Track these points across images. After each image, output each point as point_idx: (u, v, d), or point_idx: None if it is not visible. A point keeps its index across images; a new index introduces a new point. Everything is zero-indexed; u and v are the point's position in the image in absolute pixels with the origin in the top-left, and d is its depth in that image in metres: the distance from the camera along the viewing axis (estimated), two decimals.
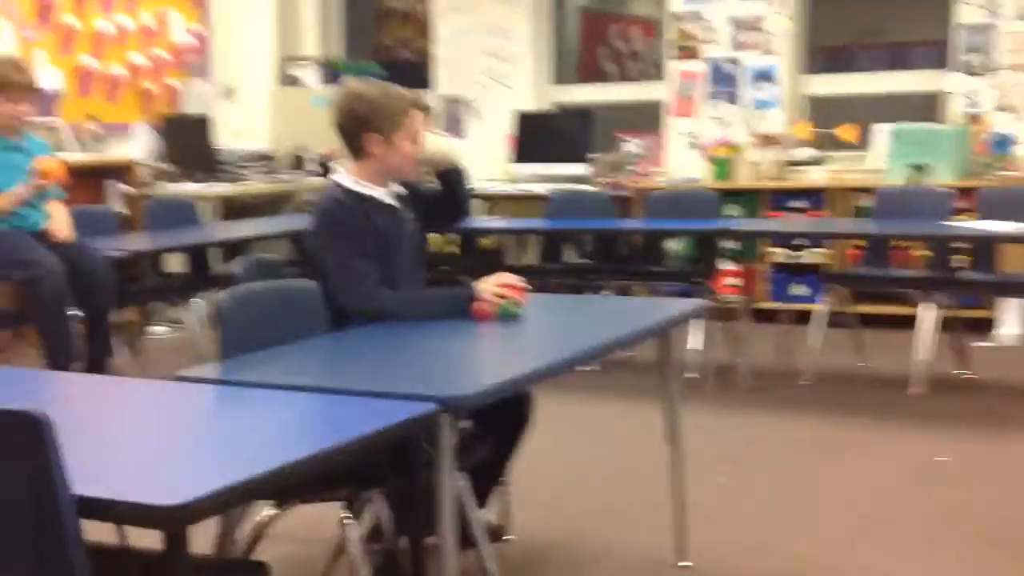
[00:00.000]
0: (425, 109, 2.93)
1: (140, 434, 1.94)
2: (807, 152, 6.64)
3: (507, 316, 2.73)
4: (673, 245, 6.16)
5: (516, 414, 2.85)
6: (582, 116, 7.12)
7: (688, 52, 6.91)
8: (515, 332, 2.69)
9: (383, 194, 2.86)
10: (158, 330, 6.38)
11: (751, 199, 6.49)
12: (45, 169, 4.33)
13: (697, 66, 6.89)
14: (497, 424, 2.73)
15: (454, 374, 2.38)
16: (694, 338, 4.96)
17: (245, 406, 2.09)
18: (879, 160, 6.36)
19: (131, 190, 6.68)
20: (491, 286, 2.75)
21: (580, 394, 4.56)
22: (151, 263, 5.39)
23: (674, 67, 6.97)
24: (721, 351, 5.16)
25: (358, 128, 2.80)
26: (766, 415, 4.58)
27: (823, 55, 7.12)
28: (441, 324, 2.68)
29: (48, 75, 6.49)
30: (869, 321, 5.46)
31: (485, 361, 2.49)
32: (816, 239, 5.94)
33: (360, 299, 2.70)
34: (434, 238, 6.05)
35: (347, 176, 2.85)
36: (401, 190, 2.93)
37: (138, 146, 7.05)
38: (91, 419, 2.04)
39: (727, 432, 4.32)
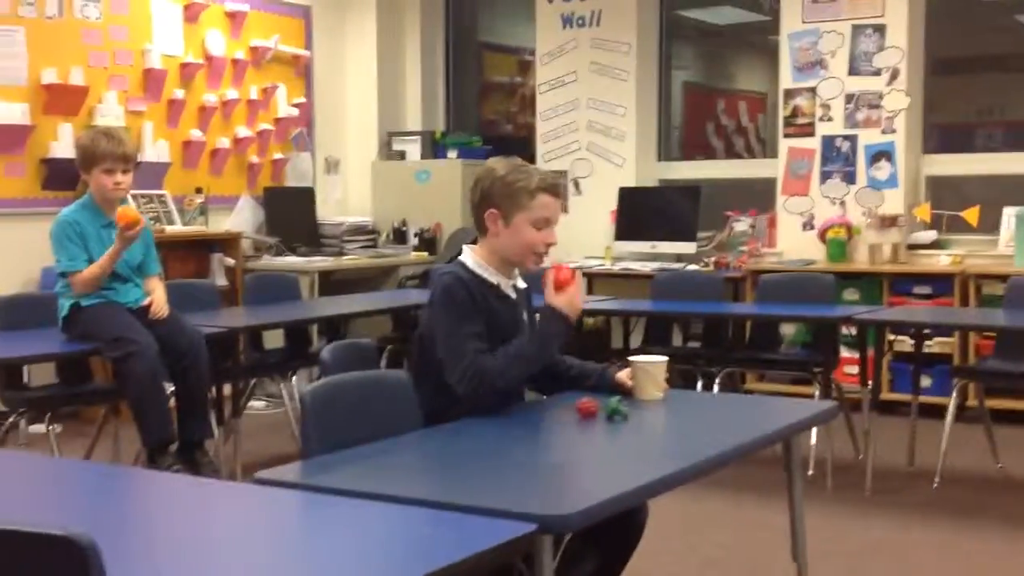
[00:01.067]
0: (556, 194, 2.75)
1: (208, 548, 1.76)
2: (929, 235, 6.30)
3: (614, 415, 2.50)
4: (787, 329, 5.86)
5: (627, 524, 2.61)
6: (689, 193, 6.90)
7: (800, 128, 6.66)
8: (624, 435, 2.46)
9: (505, 283, 2.72)
10: (257, 405, 6.30)
11: (870, 283, 6.16)
12: (127, 217, 4.10)
13: (810, 143, 6.63)
14: (604, 535, 2.49)
15: (556, 487, 2.15)
16: (813, 431, 4.63)
17: (325, 518, 1.89)
18: (1007, 244, 5.99)
19: (233, 263, 6.67)
20: (560, 294, 2.65)
21: (690, 486, 4.27)
22: (251, 338, 5.31)
23: (786, 144, 6.72)
24: (841, 444, 4.82)
25: (481, 203, 2.70)
26: (891, 520, 4.21)
27: (940, 133, 6.79)
28: (542, 426, 2.47)
29: (156, 148, 6.54)
30: (1001, 417, 5.07)
31: (591, 471, 2.25)
32: (947, 330, 5.57)
33: (464, 374, 2.54)
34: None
35: (472, 258, 2.72)
36: (522, 284, 2.77)
37: (242, 219, 7.07)
38: (158, 528, 1.87)
39: (849, 539, 3.98)
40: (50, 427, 4.13)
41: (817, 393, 4.78)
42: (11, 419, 4.16)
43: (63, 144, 6.02)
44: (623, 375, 2.69)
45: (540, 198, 2.68)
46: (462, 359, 2.54)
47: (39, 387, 4.44)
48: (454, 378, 2.54)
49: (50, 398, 4.34)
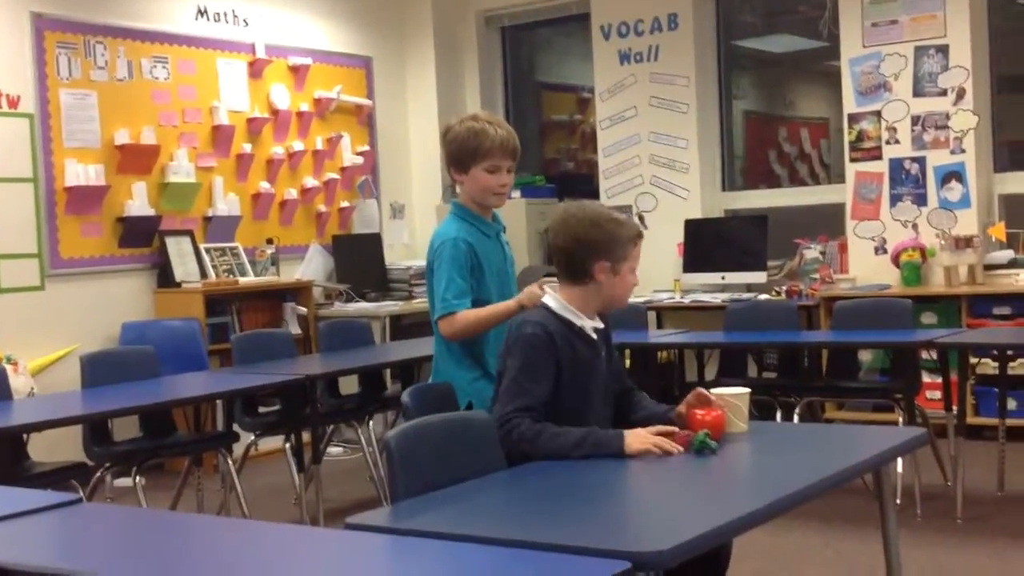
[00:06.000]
0: (641, 238, 2.77)
1: None
2: (1006, 254, 6.18)
3: (703, 448, 2.48)
4: (864, 356, 5.77)
5: (711, 560, 2.57)
6: (756, 222, 6.85)
7: (867, 152, 6.58)
8: (711, 468, 2.43)
9: (588, 325, 2.75)
10: (334, 451, 6.34)
11: (947, 306, 6.05)
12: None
13: (878, 167, 6.55)
14: (688, 572, 2.45)
15: (647, 523, 2.13)
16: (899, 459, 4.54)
17: (418, 562, 1.90)
18: None
19: (306, 311, 6.76)
20: (644, 438, 2.51)
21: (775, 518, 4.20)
22: (327, 385, 5.36)
23: (853, 168, 6.65)
24: (927, 471, 4.72)
25: (589, 255, 2.71)
26: (986, 547, 4.10)
27: (1011, 151, 6.68)
28: (627, 461, 2.44)
29: (226, 202, 6.67)
30: None
31: (681, 506, 2.22)
32: None
33: (503, 419, 2.55)
34: None
35: (558, 301, 2.75)
36: (600, 324, 2.79)
37: (312, 267, 7.16)
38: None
39: (945, 568, 3.88)
40: (135, 480, 4.20)
41: (901, 420, 4.68)
42: (98, 474, 4.23)
43: (138, 203, 6.18)
44: (682, 406, 2.64)
45: (637, 246, 2.76)
46: (509, 404, 2.58)
47: (124, 441, 4.52)
48: (494, 415, 2.58)
49: (135, 452, 4.42)
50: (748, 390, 2.68)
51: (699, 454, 2.48)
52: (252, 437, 4.98)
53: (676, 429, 2.58)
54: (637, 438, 2.52)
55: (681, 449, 2.49)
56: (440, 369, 3.18)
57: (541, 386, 2.61)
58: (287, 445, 4.78)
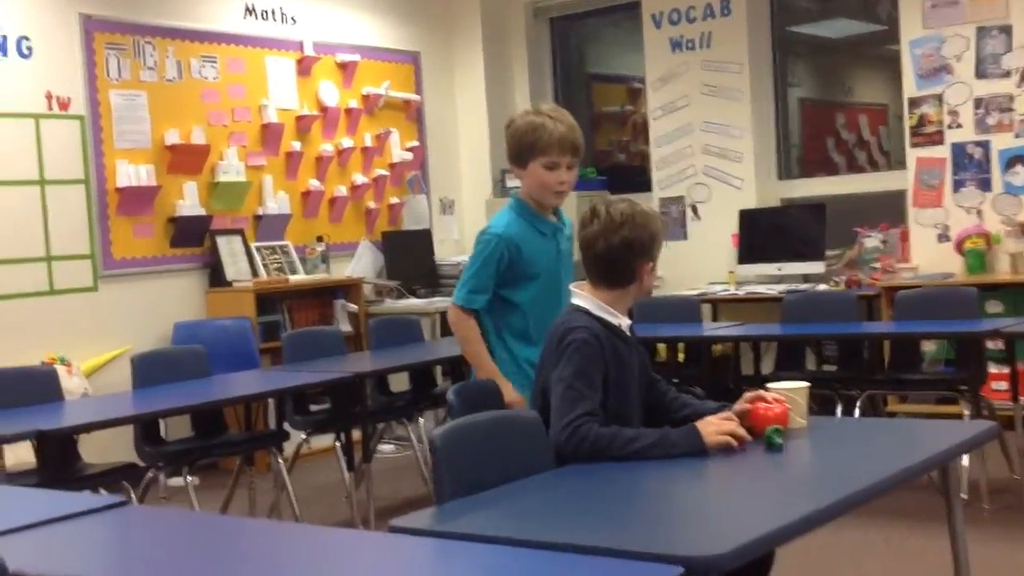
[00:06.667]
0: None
1: None
2: None
3: (771, 444, 2.38)
4: (927, 346, 5.60)
5: (756, 564, 2.46)
6: (814, 211, 6.70)
7: (928, 137, 6.40)
8: (770, 466, 2.33)
9: (625, 324, 2.67)
10: (385, 449, 6.31)
11: (1014, 294, 5.85)
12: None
13: (940, 152, 6.36)
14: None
15: (702, 525, 2.03)
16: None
17: (463, 566, 1.83)
18: None
19: (356, 308, 6.73)
20: (719, 429, 2.41)
21: None
22: (377, 383, 5.32)
23: (914, 154, 6.46)
24: (994, 465, 4.56)
25: (636, 257, 2.61)
26: None
27: None
28: (679, 460, 2.35)
29: (276, 200, 6.66)
30: None
31: (737, 506, 2.12)
32: None
33: (569, 426, 2.43)
34: (661, 346, 5.74)
35: (592, 301, 2.64)
36: (629, 321, 2.70)
37: (362, 264, 7.13)
38: None
39: (1016, 566, 3.73)
40: (187, 480, 4.18)
41: (967, 413, 4.53)
42: (150, 474, 4.22)
43: (188, 202, 6.18)
44: (740, 405, 2.53)
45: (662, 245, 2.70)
46: (573, 410, 2.45)
47: (175, 440, 4.51)
48: (558, 426, 2.45)
49: (186, 451, 4.40)
50: (807, 384, 2.58)
51: (768, 449, 2.38)
52: (303, 436, 4.95)
53: (737, 418, 2.49)
54: (711, 430, 2.41)
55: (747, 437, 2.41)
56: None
57: (597, 390, 2.51)
58: (337, 444, 4.74)
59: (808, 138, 7.74)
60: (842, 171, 7.38)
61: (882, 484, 2.15)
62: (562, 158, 3.07)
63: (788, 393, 2.54)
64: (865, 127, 7.86)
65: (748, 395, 2.54)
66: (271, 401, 4.92)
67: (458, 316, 3.18)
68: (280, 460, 4.55)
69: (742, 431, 2.41)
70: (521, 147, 3.11)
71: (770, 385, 2.59)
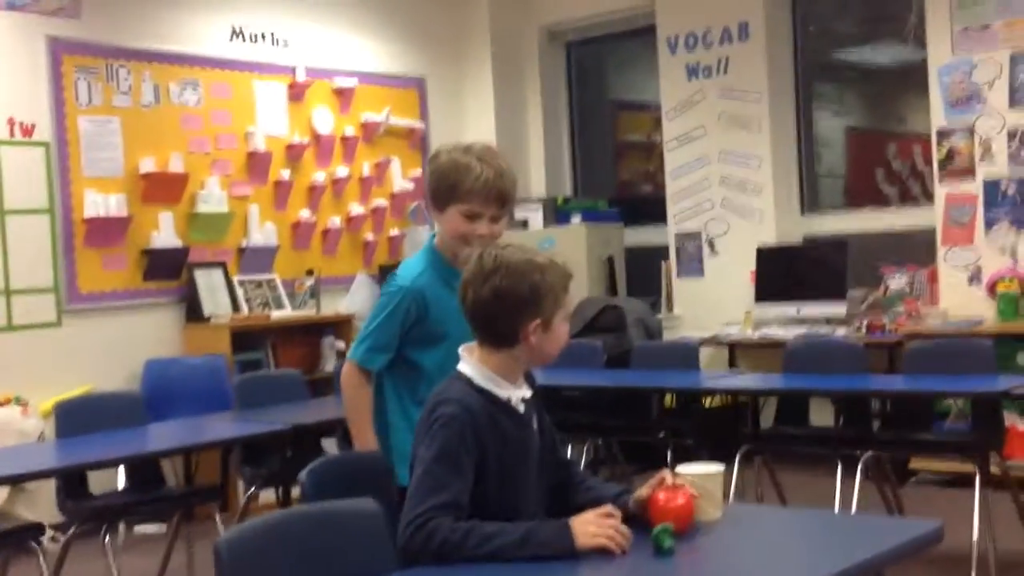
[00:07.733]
0: (571, 279, 2.27)
1: None
2: None
3: (657, 549, 1.96)
4: (951, 399, 5.08)
5: None
6: (835, 248, 6.21)
7: (958, 172, 5.88)
8: (670, 571, 1.91)
9: (516, 397, 2.22)
10: None
11: None
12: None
13: (971, 187, 5.84)
14: None
15: None
16: (975, 519, 3.87)
17: None
18: None
19: (344, 346, 6.37)
20: (594, 529, 2.00)
21: None
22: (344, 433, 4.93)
23: (943, 189, 5.95)
24: (1012, 534, 4.04)
25: (518, 311, 2.17)
26: None
27: None
28: (553, 561, 1.94)
29: (263, 231, 6.34)
30: None
31: None
32: None
33: (415, 521, 2.01)
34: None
35: (479, 370, 2.21)
36: (527, 391, 2.27)
37: (358, 298, 6.77)
38: None
39: None
40: (105, 542, 3.83)
41: (977, 480, 4.01)
42: (72, 531, 3.88)
43: (164, 234, 5.89)
44: (645, 491, 2.12)
45: (567, 290, 2.25)
46: (423, 503, 2.03)
47: (101, 495, 4.16)
48: (405, 519, 2.03)
49: (113, 507, 4.06)
50: (721, 468, 2.14)
51: (656, 553, 1.96)
52: (253, 488, 4.58)
53: (639, 506, 2.10)
54: (586, 529, 2.01)
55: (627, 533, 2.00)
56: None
57: (463, 478, 2.08)
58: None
59: (855, 168, 7.24)
60: (893, 202, 6.80)
61: None
62: (486, 209, 2.66)
63: (698, 479, 2.11)
64: (918, 156, 7.33)
65: (655, 478, 2.12)
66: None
67: (351, 375, 2.72)
68: (218, 519, 4.17)
69: (622, 532, 1.98)
70: (440, 188, 2.70)
71: (680, 469, 2.16)
